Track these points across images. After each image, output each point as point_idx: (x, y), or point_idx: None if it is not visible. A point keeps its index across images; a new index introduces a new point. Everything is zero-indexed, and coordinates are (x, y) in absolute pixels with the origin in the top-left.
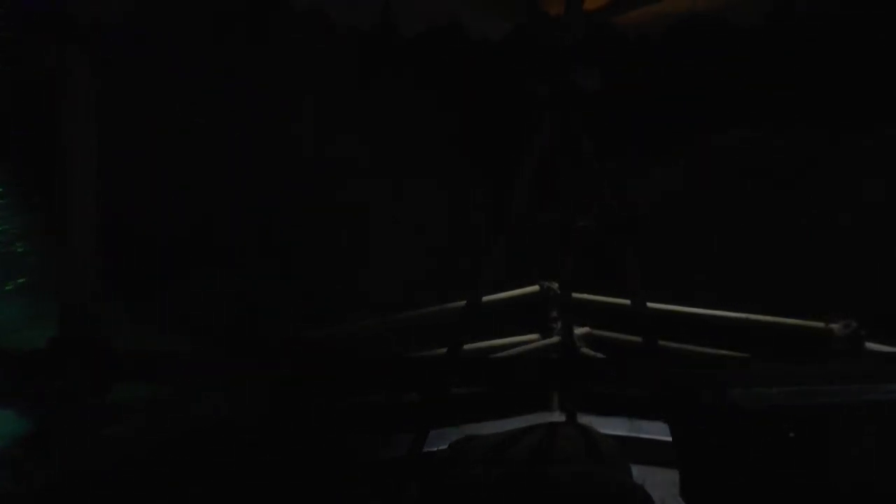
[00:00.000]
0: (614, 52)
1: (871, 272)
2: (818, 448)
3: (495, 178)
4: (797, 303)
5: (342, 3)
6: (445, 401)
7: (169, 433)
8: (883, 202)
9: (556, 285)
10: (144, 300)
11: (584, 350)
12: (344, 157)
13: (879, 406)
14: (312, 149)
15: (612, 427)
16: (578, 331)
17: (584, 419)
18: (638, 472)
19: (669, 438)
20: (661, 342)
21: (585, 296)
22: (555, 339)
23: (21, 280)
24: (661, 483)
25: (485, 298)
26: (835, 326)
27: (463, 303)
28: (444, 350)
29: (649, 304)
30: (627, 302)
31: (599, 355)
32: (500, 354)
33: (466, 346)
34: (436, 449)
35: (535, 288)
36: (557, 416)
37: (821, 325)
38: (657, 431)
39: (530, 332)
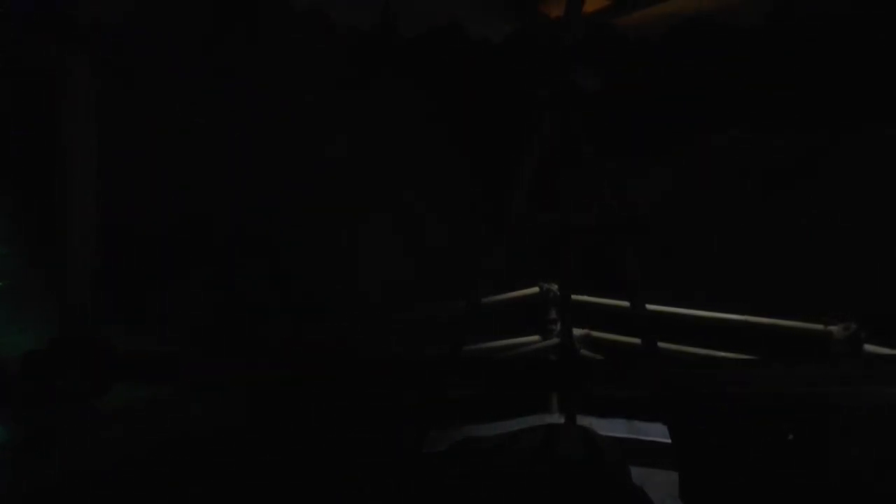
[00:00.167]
0: (614, 53)
1: (871, 273)
2: (818, 449)
3: (495, 179)
4: (797, 303)
5: (342, 3)
6: (445, 401)
7: (169, 433)
8: (883, 202)
9: (555, 286)
10: (142, 300)
11: (584, 351)
12: (344, 157)
13: (879, 407)
14: (312, 149)
15: (611, 429)
16: (578, 332)
17: (584, 420)
18: (637, 473)
19: (669, 440)
20: (661, 344)
21: (585, 297)
22: (554, 340)
23: (1, 284)
24: (660, 484)
25: (484, 299)
26: (834, 329)
27: (463, 303)
28: (444, 350)
29: (648, 306)
30: (627, 304)
31: (599, 357)
32: (499, 355)
33: (466, 347)
34: (436, 449)
35: (535, 289)
36: (557, 418)
37: (820, 327)
38: (656, 433)
39: (530, 333)
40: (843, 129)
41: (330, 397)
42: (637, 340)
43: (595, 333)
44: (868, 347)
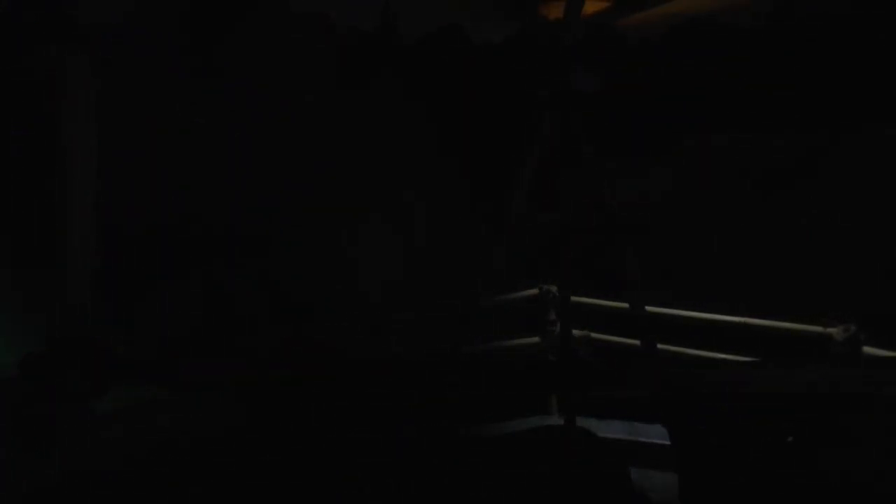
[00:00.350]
0: (614, 53)
1: (870, 274)
2: (818, 449)
3: (495, 179)
4: (796, 304)
5: (342, 3)
6: (445, 401)
7: (169, 433)
8: (883, 202)
9: (555, 288)
10: (142, 300)
11: (583, 353)
12: (344, 157)
13: (878, 408)
14: (312, 149)
15: (610, 430)
16: (577, 333)
17: (583, 422)
18: (637, 475)
19: (668, 442)
20: (660, 345)
21: (584, 299)
22: (554, 341)
23: None
24: (659, 486)
25: (484, 299)
26: (833, 330)
27: (462, 304)
28: (444, 350)
29: (648, 307)
30: (626, 305)
31: (598, 358)
32: (499, 356)
33: (466, 348)
34: (437, 449)
35: (535, 290)
36: (556, 420)
37: (819, 328)
38: (656, 434)
39: (529, 334)
40: (843, 129)
41: (330, 397)
42: (636, 342)
43: (594, 335)
44: (867, 349)
